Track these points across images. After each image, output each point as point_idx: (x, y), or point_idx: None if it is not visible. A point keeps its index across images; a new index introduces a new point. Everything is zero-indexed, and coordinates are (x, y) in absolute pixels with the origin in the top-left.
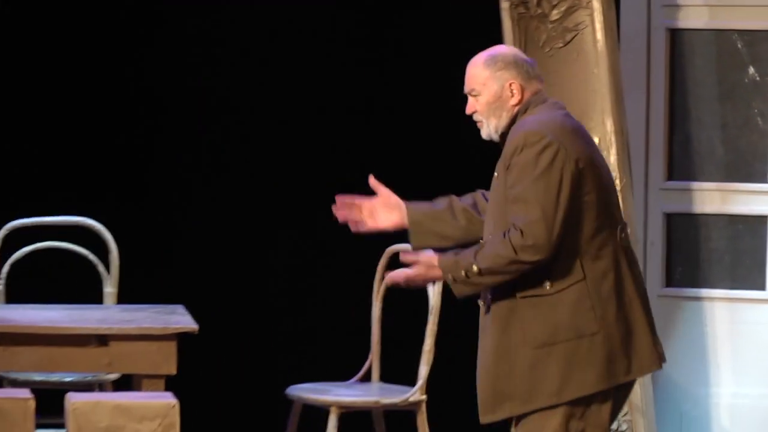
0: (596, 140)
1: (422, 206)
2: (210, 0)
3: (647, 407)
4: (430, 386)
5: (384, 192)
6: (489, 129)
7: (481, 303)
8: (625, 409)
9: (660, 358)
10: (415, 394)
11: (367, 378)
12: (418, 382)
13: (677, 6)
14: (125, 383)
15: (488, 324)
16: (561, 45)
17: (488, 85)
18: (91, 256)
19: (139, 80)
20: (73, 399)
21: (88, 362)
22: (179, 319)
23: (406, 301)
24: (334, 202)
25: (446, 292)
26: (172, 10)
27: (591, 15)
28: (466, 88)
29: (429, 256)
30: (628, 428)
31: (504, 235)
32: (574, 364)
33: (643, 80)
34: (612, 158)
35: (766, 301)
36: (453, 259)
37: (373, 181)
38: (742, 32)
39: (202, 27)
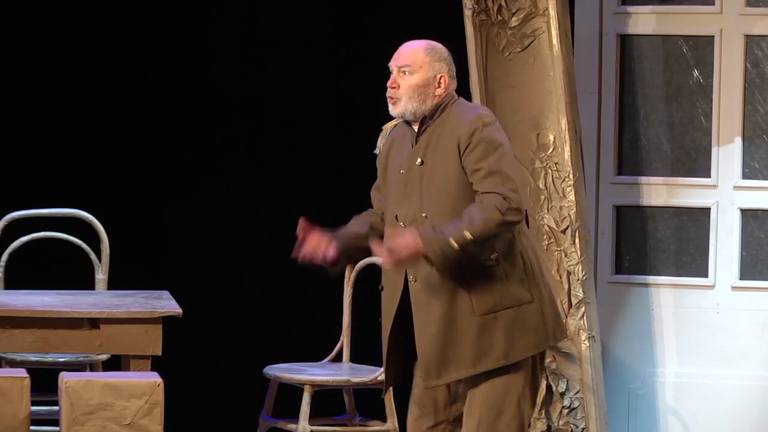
0: (551, 137)
1: (347, 233)
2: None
3: (597, 386)
4: None
5: (316, 231)
6: (406, 108)
7: (411, 278)
8: (577, 387)
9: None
10: (383, 373)
11: (338, 359)
12: None
13: (627, 13)
14: (114, 363)
15: (433, 295)
16: (519, 50)
17: (424, 69)
18: (84, 246)
19: (131, 79)
20: (66, 378)
21: (81, 344)
22: (165, 303)
23: (375, 287)
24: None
25: None
26: (169, 11)
27: (547, 22)
28: (399, 62)
29: (405, 240)
30: (579, 405)
31: (482, 203)
32: (517, 329)
33: (595, 82)
34: (566, 154)
35: (708, 287)
36: (434, 235)
37: (303, 224)
38: (687, 38)
39: (194, 27)
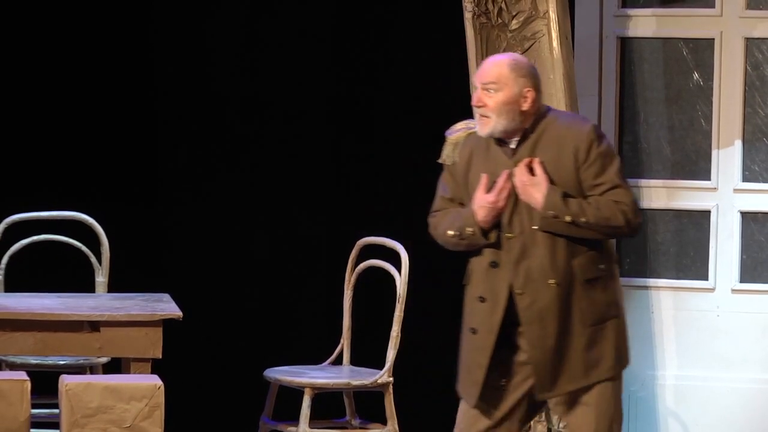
0: None
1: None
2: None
3: None
4: (396, 369)
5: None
6: (495, 126)
7: (518, 290)
8: None
9: None
10: (383, 376)
11: (338, 361)
12: (386, 365)
13: (627, 16)
14: (115, 366)
15: (546, 308)
16: (520, 52)
17: (509, 86)
18: (84, 249)
19: (131, 82)
20: (66, 381)
21: (81, 347)
22: (165, 306)
23: (375, 290)
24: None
25: (411, 282)
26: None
27: (547, 25)
28: (484, 79)
29: (544, 179)
30: None
31: (616, 204)
32: (621, 338)
33: (595, 85)
34: None
35: (708, 290)
36: (561, 201)
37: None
38: (687, 40)
39: (194, 30)
